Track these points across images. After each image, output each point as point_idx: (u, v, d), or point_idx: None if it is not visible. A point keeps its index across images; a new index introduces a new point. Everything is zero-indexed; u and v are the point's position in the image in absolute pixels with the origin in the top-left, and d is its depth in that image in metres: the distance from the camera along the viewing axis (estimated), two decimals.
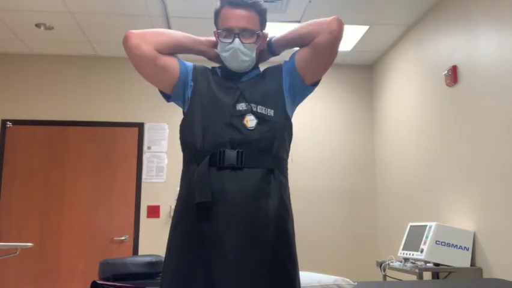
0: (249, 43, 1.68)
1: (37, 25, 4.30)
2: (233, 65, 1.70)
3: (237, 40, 1.66)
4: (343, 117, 5.19)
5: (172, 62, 1.68)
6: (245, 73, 1.74)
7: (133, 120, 4.97)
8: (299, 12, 3.98)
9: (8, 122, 4.88)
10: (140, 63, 1.65)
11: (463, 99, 3.44)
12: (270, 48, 1.78)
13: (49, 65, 5.02)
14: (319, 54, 1.66)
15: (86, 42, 4.70)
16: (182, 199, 1.62)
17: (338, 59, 5.19)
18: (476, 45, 3.29)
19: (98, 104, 4.98)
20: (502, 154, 2.99)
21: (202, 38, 1.77)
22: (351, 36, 4.55)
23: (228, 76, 1.73)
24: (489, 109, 3.12)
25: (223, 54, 1.70)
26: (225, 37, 1.68)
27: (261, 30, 1.74)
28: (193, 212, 1.56)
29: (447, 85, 3.63)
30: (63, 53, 5.01)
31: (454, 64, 3.55)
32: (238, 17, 1.67)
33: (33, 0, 3.85)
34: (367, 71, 5.31)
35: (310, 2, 3.83)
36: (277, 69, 1.76)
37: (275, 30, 1.87)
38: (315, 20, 1.68)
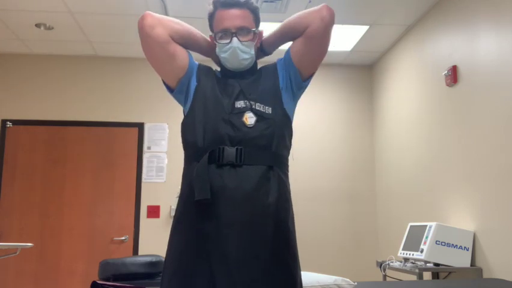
0: (247, 41, 1.69)
1: (37, 25, 4.30)
2: (233, 64, 1.71)
3: (235, 39, 1.67)
4: (343, 117, 5.19)
5: (182, 53, 1.69)
6: (244, 72, 1.75)
7: (133, 120, 4.97)
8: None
9: (8, 122, 4.88)
10: (151, 45, 1.64)
11: (463, 99, 3.44)
12: (261, 48, 1.79)
13: (49, 65, 5.02)
14: (313, 42, 1.67)
15: (86, 42, 4.70)
16: (183, 197, 1.62)
17: (337, 59, 5.22)
18: (476, 45, 3.30)
19: (98, 104, 4.99)
20: (502, 154, 2.99)
21: (210, 40, 1.78)
22: (351, 36, 4.54)
23: (227, 75, 1.75)
24: (489, 109, 3.12)
25: (223, 55, 1.71)
26: (221, 38, 1.69)
27: (256, 28, 1.75)
28: (193, 210, 1.56)
29: (447, 85, 3.63)
30: (63, 53, 5.01)
31: (454, 64, 3.55)
32: (233, 16, 1.68)
33: (33, 0, 3.85)
34: (367, 71, 5.31)
35: (310, 2, 3.83)
36: (272, 67, 1.77)
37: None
38: (303, 10, 1.70)
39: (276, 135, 1.64)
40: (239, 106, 1.64)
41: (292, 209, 1.66)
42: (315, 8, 1.67)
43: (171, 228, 1.64)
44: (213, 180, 1.55)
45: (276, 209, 1.58)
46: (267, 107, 1.66)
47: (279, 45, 1.79)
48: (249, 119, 1.62)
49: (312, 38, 1.66)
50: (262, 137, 1.61)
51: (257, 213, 1.55)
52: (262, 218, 1.55)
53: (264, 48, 1.79)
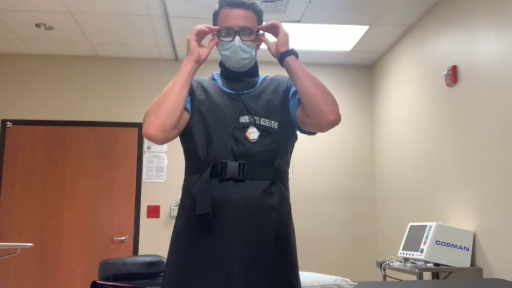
0: (249, 41, 1.70)
1: (37, 25, 4.30)
2: (233, 62, 1.71)
3: (237, 38, 1.68)
4: (343, 117, 5.19)
5: (183, 116, 1.66)
6: (247, 82, 1.74)
7: (133, 120, 4.97)
8: (299, 12, 3.98)
9: (8, 122, 4.88)
10: (170, 140, 1.66)
11: (463, 99, 3.44)
12: (282, 57, 1.67)
13: (49, 65, 5.02)
14: (312, 124, 1.62)
15: (86, 42, 4.70)
16: (185, 209, 1.62)
17: (337, 59, 5.22)
18: (476, 45, 3.30)
19: (98, 104, 4.99)
20: (502, 154, 2.99)
21: (184, 60, 1.70)
22: (351, 36, 4.54)
23: (229, 85, 1.74)
24: (489, 109, 3.12)
25: (224, 53, 1.71)
26: (225, 36, 1.70)
27: (259, 30, 1.75)
28: (195, 223, 1.57)
29: (447, 85, 3.63)
30: (63, 53, 5.01)
31: (454, 64, 3.55)
32: (238, 16, 1.69)
33: (33, 0, 3.85)
34: (367, 71, 5.31)
35: (310, 2, 3.83)
36: (284, 84, 1.75)
37: None
38: (330, 95, 1.59)
39: (280, 151, 1.64)
40: (243, 121, 1.64)
41: (292, 222, 1.68)
42: (334, 106, 1.57)
43: (173, 238, 1.63)
44: (215, 194, 1.55)
45: (279, 223, 1.59)
46: (273, 122, 1.65)
47: (290, 76, 1.66)
48: (252, 134, 1.62)
49: (311, 122, 1.61)
50: (265, 152, 1.62)
51: (259, 227, 1.56)
52: (264, 232, 1.56)
53: (284, 60, 1.67)
